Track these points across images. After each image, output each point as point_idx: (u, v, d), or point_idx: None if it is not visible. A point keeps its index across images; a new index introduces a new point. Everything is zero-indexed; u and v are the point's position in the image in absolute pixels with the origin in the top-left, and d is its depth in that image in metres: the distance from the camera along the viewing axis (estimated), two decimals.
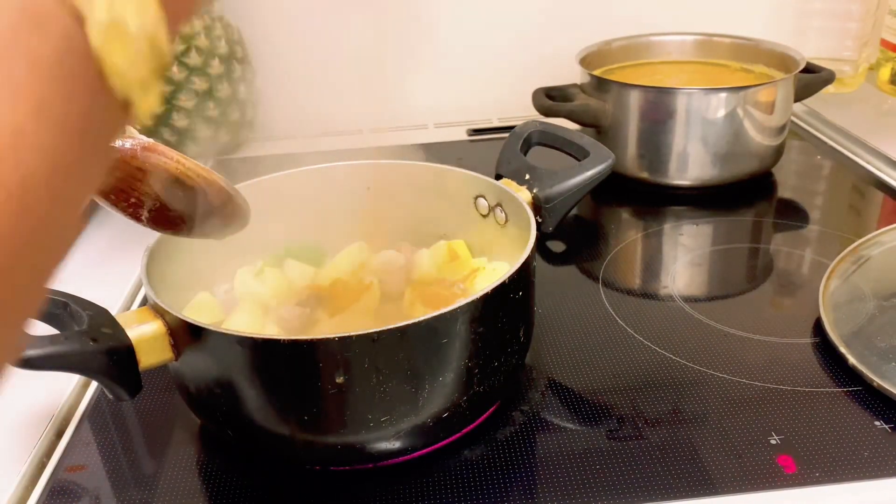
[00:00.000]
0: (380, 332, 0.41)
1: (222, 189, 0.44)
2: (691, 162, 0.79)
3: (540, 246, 0.72)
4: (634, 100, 0.79)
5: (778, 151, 0.83)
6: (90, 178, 0.18)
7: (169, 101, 0.87)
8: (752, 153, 0.80)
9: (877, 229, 0.66)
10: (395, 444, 0.45)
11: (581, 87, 0.84)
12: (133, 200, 0.42)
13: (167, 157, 0.42)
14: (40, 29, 0.16)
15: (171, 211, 0.43)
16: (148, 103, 0.18)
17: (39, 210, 0.16)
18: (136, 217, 0.44)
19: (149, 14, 0.17)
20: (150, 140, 0.42)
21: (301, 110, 1.03)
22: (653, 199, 0.81)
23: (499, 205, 0.57)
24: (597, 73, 0.84)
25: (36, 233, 0.16)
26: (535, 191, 0.59)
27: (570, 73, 0.85)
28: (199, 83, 0.87)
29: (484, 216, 0.59)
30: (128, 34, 0.17)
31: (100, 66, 0.16)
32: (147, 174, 0.41)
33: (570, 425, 0.50)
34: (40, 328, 0.44)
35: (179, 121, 0.88)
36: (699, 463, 0.46)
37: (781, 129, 0.81)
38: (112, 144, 0.18)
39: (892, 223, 0.66)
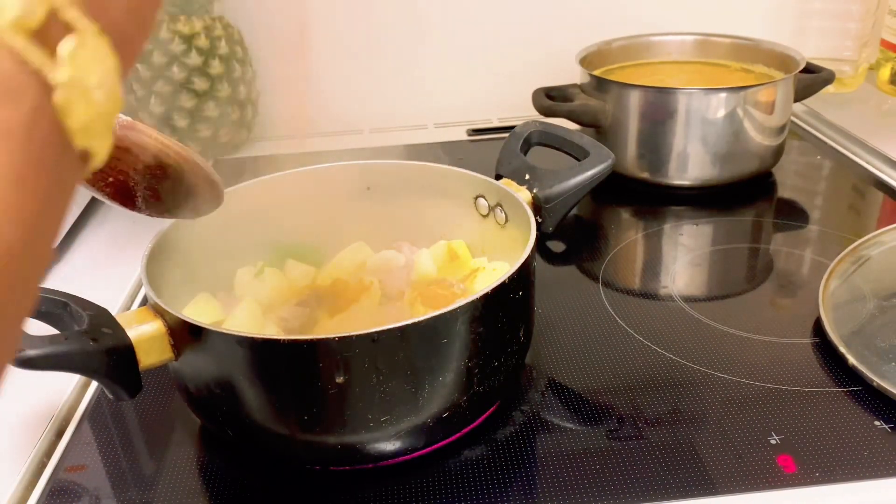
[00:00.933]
0: (380, 332, 0.41)
1: (199, 167, 0.44)
2: (691, 162, 0.79)
3: (540, 246, 0.72)
4: (634, 100, 0.79)
5: (778, 151, 0.83)
6: (56, 226, 0.18)
7: (169, 101, 0.87)
8: (752, 153, 0.80)
9: (877, 229, 0.66)
10: (395, 444, 0.45)
11: (581, 87, 0.84)
12: (111, 180, 0.42)
13: (146, 135, 0.41)
14: (12, 101, 0.16)
15: (148, 190, 0.43)
16: (105, 148, 0.18)
17: (15, 269, 0.16)
18: (113, 197, 0.43)
19: (106, 66, 0.17)
20: (129, 118, 0.42)
21: (301, 110, 1.03)
22: (653, 200, 0.81)
23: (499, 205, 0.57)
24: (597, 73, 0.84)
25: (12, 290, 0.16)
26: (535, 191, 0.59)
27: (570, 73, 0.85)
28: (199, 83, 0.87)
29: (484, 216, 0.59)
30: (89, 92, 0.17)
31: (64, 126, 0.17)
32: (126, 153, 0.41)
33: (570, 425, 0.50)
34: (40, 328, 0.44)
35: (179, 121, 0.88)
36: (699, 463, 0.46)
37: (781, 129, 0.81)
38: (73, 190, 0.18)
39: (891, 223, 0.66)
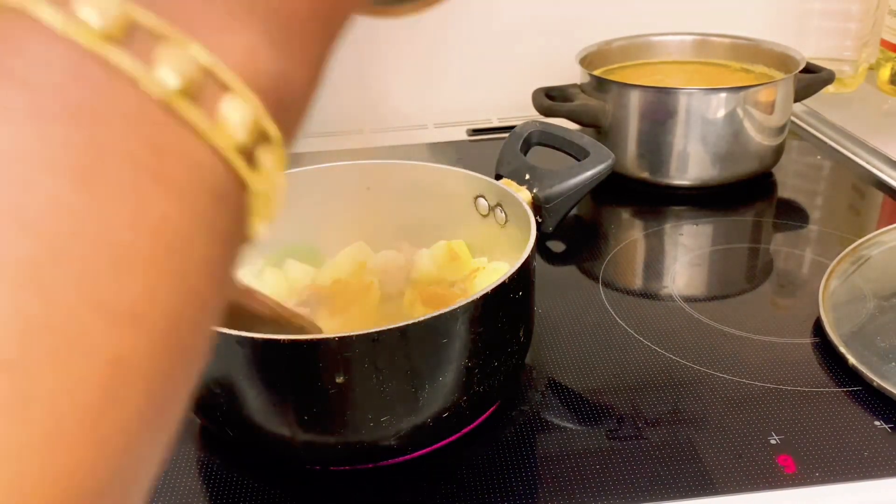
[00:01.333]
0: (380, 332, 0.41)
1: (309, 332, 0.44)
2: (691, 162, 0.79)
3: (540, 246, 0.72)
4: (634, 100, 0.79)
5: (778, 151, 0.83)
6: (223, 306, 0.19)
7: None
8: (752, 153, 0.80)
9: (877, 229, 0.66)
10: (395, 444, 0.45)
11: (581, 87, 0.84)
12: None
13: (263, 305, 0.42)
14: (225, 204, 0.17)
15: None
16: (263, 233, 0.20)
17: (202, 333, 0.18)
18: None
19: (283, 170, 0.19)
20: (248, 285, 0.44)
21: None
22: (653, 199, 0.81)
23: (499, 205, 0.57)
24: (597, 73, 0.84)
25: (190, 360, 0.18)
26: (535, 191, 0.59)
27: (570, 73, 0.85)
28: None
29: (484, 216, 0.59)
30: (273, 195, 0.18)
31: (248, 221, 0.18)
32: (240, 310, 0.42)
33: (570, 425, 0.50)
34: None
35: None
36: (699, 463, 0.46)
37: (781, 129, 0.81)
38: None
39: (891, 223, 0.66)
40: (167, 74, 0.16)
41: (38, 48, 0.15)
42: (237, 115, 0.17)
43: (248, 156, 0.17)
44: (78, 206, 0.14)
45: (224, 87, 0.17)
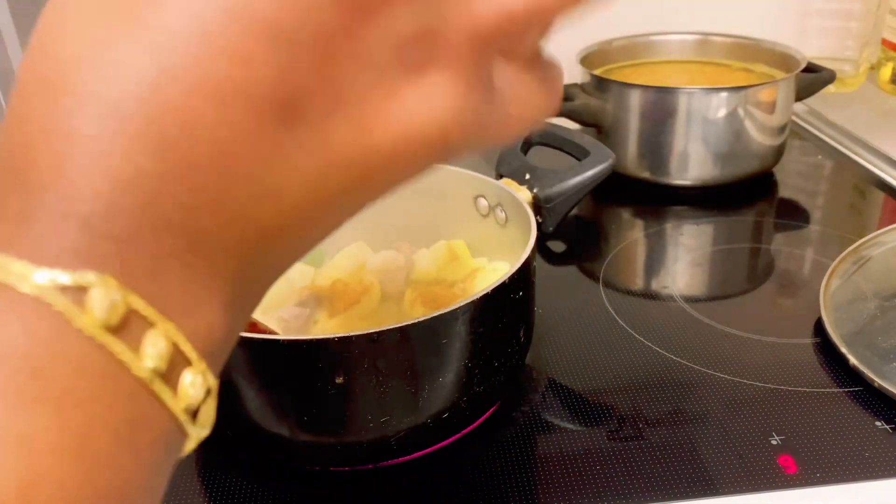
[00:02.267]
0: (380, 332, 0.41)
1: None
2: (692, 162, 0.79)
3: (540, 246, 0.72)
4: (635, 99, 0.79)
5: (779, 151, 0.83)
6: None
7: None
8: (752, 153, 0.80)
9: (878, 229, 0.66)
10: (395, 445, 0.45)
11: (581, 87, 0.84)
12: None
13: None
14: (172, 451, 0.19)
15: None
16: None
17: None
18: None
19: (215, 404, 0.20)
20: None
21: None
22: (653, 199, 0.80)
23: (499, 205, 0.57)
24: (597, 72, 0.84)
25: None
26: (535, 190, 0.58)
27: (571, 73, 0.85)
28: None
29: (484, 216, 0.59)
30: (207, 426, 0.20)
31: (184, 448, 0.20)
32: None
33: (570, 425, 0.50)
34: None
35: None
36: (700, 463, 0.45)
37: (782, 128, 0.81)
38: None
39: (893, 223, 0.66)
40: (149, 358, 0.18)
41: (49, 336, 0.17)
42: (196, 387, 0.19)
43: (195, 412, 0.19)
44: (66, 478, 0.17)
45: (186, 362, 0.19)
